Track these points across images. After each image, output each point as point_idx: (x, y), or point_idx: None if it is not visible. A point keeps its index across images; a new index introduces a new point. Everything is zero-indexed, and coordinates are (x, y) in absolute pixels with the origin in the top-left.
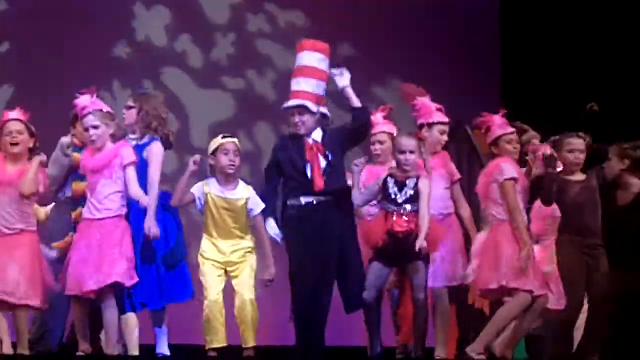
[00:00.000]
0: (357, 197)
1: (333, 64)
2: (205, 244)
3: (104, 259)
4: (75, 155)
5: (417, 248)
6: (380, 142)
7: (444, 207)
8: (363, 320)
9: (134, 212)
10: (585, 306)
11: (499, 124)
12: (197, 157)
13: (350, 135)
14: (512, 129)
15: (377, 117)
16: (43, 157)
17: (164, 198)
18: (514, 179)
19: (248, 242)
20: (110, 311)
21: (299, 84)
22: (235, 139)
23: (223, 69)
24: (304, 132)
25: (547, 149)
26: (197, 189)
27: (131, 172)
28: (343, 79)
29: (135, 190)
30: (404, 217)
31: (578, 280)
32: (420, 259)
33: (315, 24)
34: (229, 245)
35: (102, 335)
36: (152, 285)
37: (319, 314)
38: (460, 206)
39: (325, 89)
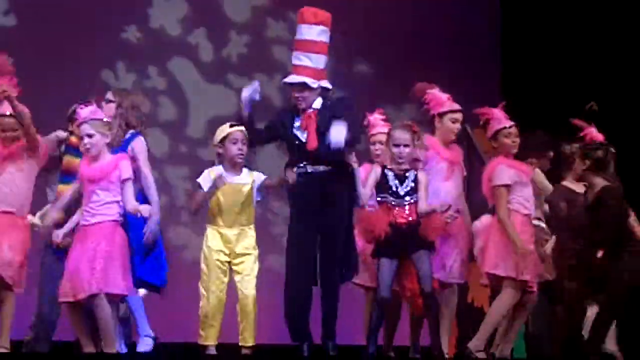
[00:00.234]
0: (363, 193)
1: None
2: (211, 234)
3: (99, 265)
4: (67, 158)
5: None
6: (382, 143)
7: (461, 203)
8: (365, 324)
9: (131, 221)
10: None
11: (498, 117)
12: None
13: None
14: (512, 123)
15: (376, 118)
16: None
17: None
18: (506, 186)
19: (252, 232)
20: (102, 310)
21: (299, 58)
22: (242, 128)
23: (232, 66)
24: (304, 107)
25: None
26: (203, 179)
27: (129, 188)
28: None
29: (133, 205)
30: (406, 210)
31: None
32: (424, 248)
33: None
34: (234, 234)
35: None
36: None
37: (303, 295)
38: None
39: (326, 62)
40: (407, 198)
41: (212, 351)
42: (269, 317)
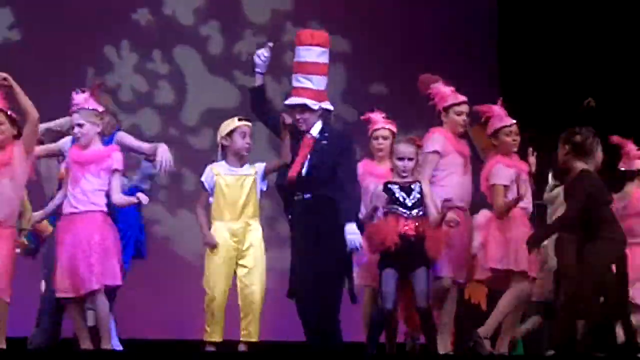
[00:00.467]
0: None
1: None
2: (218, 228)
3: (95, 257)
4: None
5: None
6: (384, 138)
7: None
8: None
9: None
10: None
11: (499, 115)
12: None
13: None
14: (513, 121)
15: (377, 116)
16: None
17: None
18: (504, 186)
19: (258, 225)
20: (102, 305)
21: (300, 81)
22: (249, 122)
23: (239, 63)
24: (305, 129)
25: None
26: (206, 175)
27: (117, 180)
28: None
29: (119, 197)
30: (415, 222)
31: None
32: (425, 266)
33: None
34: (241, 226)
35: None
36: None
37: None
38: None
39: (326, 83)
40: (415, 211)
41: (212, 348)
42: (267, 314)
